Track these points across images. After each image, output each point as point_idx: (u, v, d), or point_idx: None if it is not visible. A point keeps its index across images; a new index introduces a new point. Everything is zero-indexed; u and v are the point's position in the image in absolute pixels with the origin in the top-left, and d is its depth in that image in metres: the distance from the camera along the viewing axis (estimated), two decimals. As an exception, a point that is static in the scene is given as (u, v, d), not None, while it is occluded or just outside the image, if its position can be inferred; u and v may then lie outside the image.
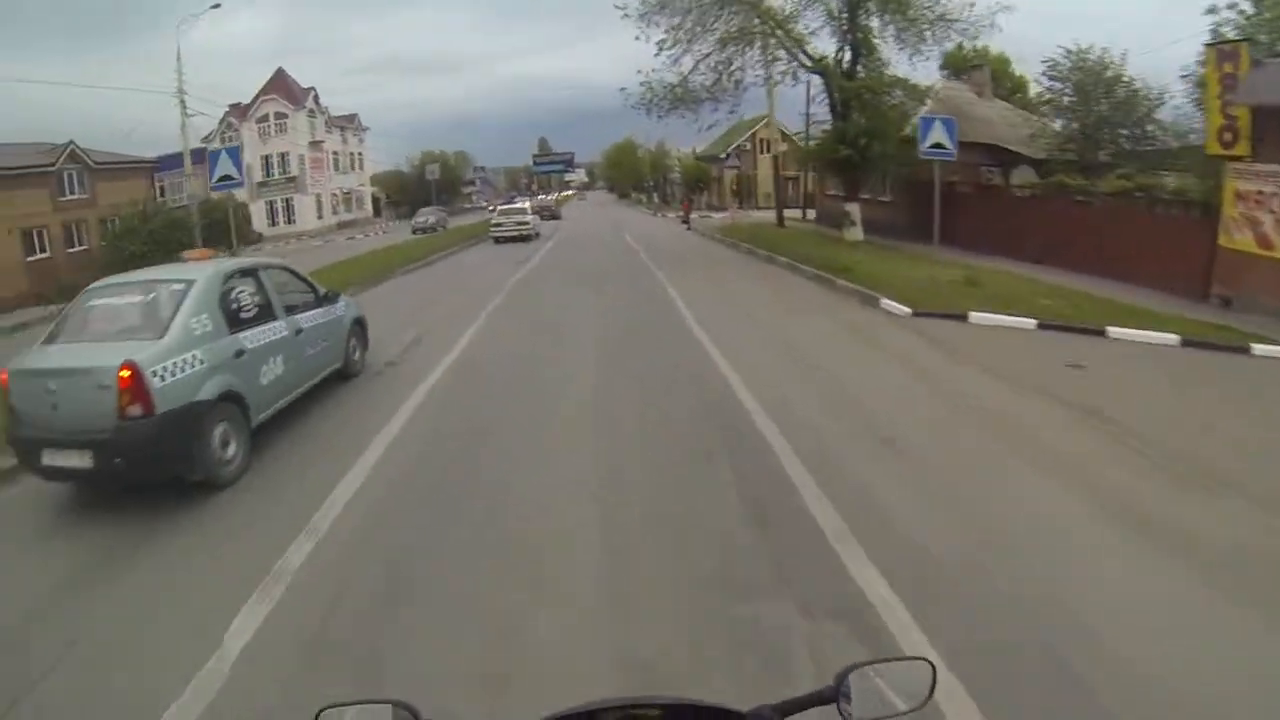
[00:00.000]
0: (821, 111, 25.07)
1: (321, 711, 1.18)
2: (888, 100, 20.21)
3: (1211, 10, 15.99)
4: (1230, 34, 14.83)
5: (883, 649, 3.31)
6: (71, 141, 29.65)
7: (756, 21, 19.97)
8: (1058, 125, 21.38)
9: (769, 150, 48.98)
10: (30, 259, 27.19)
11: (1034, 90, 26.19)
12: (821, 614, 3.66)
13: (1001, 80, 30.96)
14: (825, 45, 21.01)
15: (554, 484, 5.54)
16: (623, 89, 21.49)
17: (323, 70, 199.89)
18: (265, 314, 6.98)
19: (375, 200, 70.43)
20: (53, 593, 4.42)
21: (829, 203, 30.40)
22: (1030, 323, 10.11)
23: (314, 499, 5.40)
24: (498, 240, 30.67)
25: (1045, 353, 8.88)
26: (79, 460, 5.37)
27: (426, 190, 55.66)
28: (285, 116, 54.74)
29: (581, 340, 10.38)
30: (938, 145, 15.98)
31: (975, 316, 10.46)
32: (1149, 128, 19.36)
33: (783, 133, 38.58)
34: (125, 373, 5.27)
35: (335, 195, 60.34)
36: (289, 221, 53.89)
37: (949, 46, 21.41)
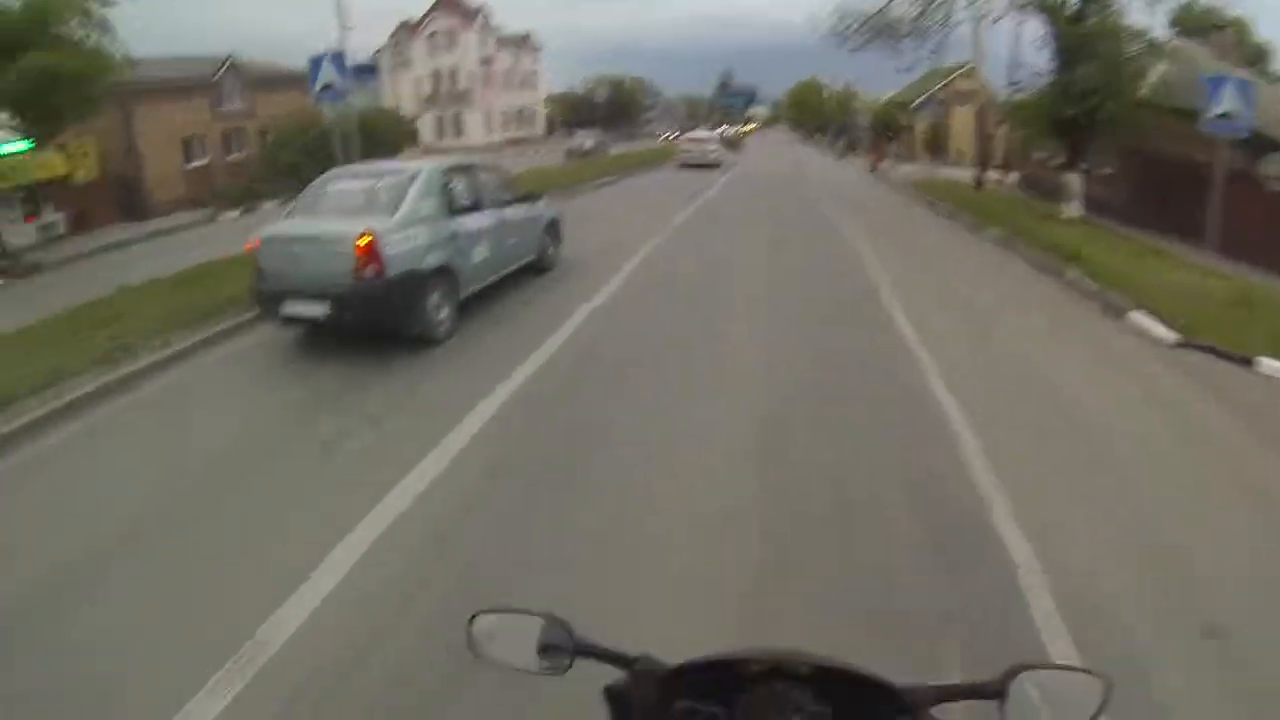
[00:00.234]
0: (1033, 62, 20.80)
1: (475, 616, 1.21)
2: (1124, 52, 15.82)
3: None
4: None
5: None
6: (231, 55, 30.05)
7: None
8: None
9: (967, 102, 43.51)
10: (189, 166, 27.91)
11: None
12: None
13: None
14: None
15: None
16: (810, 18, 18.33)
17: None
18: (476, 204, 8.03)
19: (549, 120, 69.57)
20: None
21: (1035, 168, 25.82)
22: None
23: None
24: (684, 165, 31.22)
25: None
26: (317, 310, 6.56)
27: (604, 112, 54.17)
28: (455, 33, 54.21)
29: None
30: (1226, 115, 11.96)
31: (1269, 365, 6.59)
32: None
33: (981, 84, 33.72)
34: (364, 240, 6.39)
35: (507, 112, 59.85)
36: (457, 135, 53.89)
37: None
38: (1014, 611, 3.25)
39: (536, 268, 9.75)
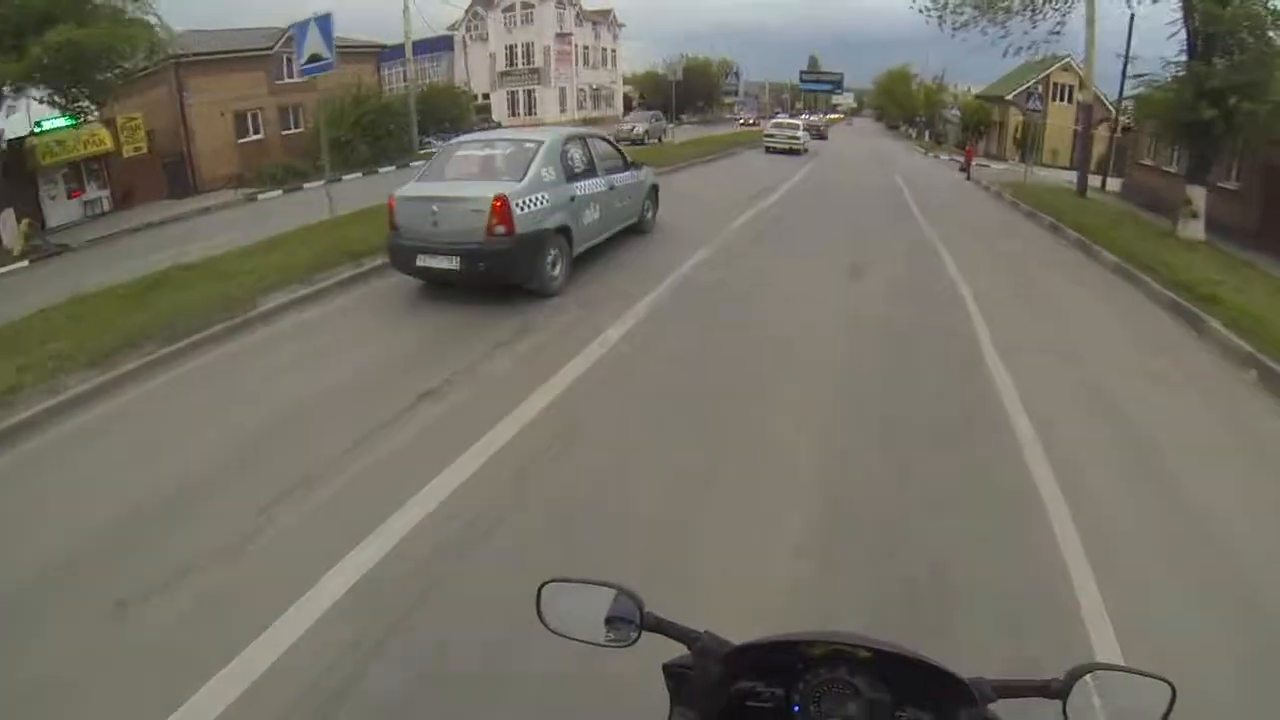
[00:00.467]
0: (1148, 54, 18.25)
1: (545, 584, 1.22)
2: (1275, 46, 13.30)
3: None
4: None
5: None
6: (292, 26, 29.63)
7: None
8: None
9: (1067, 97, 40.12)
10: (242, 140, 27.57)
11: None
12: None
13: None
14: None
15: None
16: None
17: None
18: (590, 171, 8.77)
19: (627, 99, 67.81)
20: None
21: (1145, 174, 23.17)
22: None
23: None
24: (769, 150, 30.91)
25: None
26: (449, 264, 7.27)
27: (683, 95, 51.70)
28: (532, 7, 52.99)
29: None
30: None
31: None
32: None
33: (1081, 79, 30.32)
34: (498, 202, 7.10)
35: (582, 90, 58.54)
36: (530, 113, 52.99)
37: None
38: None
39: (637, 230, 10.58)
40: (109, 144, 21.00)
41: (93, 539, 3.76)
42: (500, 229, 7.07)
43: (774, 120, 38.83)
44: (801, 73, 76.04)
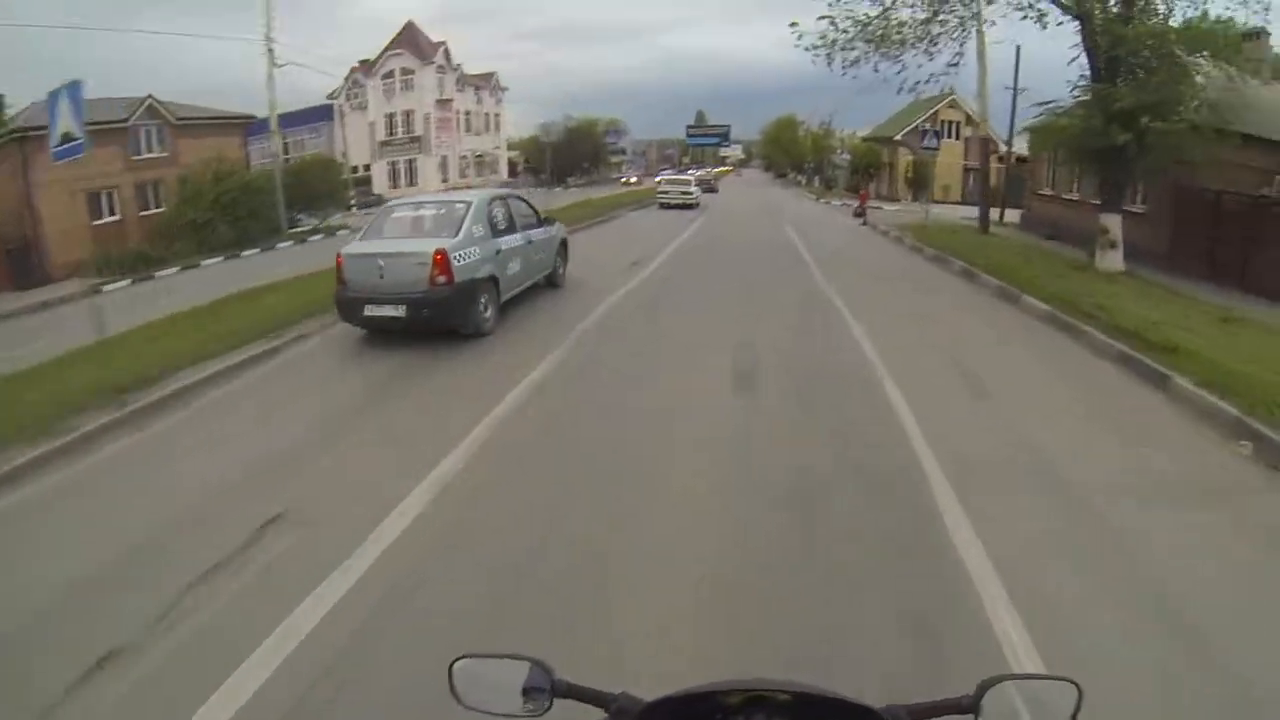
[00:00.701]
0: (1039, 85, 18.18)
1: (455, 661, 1.20)
2: (1181, 62, 13.05)
3: None
4: None
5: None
6: (150, 95, 27.57)
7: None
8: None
9: (954, 134, 41.21)
10: (97, 222, 25.37)
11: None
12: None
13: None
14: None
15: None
16: (793, 25, 15.34)
17: (489, 34, 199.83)
18: (511, 227, 9.91)
19: (511, 165, 66.79)
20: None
21: (1045, 205, 23.27)
22: None
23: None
24: (663, 206, 31.91)
25: None
26: (395, 311, 8.17)
27: (567, 156, 50.99)
28: (411, 73, 52.07)
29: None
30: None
31: None
32: None
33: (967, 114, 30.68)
34: (439, 255, 8.08)
35: (465, 157, 57.48)
36: (411, 184, 51.30)
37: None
38: None
39: (550, 282, 11.55)
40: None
41: None
42: (441, 279, 8.05)
43: (665, 176, 39.95)
44: (688, 127, 77.64)
